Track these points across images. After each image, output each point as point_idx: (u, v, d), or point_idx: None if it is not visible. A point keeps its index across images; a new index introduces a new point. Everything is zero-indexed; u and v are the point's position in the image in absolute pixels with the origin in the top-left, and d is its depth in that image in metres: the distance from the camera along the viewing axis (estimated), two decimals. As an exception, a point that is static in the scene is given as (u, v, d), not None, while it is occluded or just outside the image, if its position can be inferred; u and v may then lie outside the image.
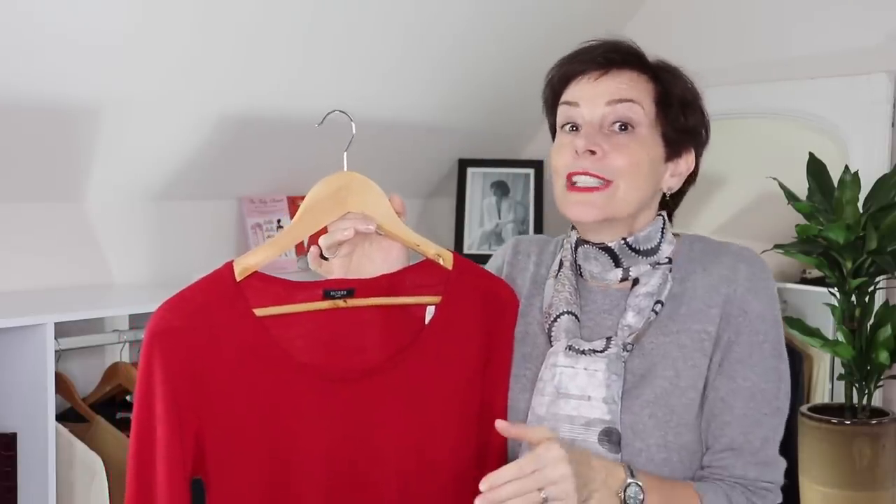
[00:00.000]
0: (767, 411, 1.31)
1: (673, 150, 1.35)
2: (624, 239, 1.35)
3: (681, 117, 1.34)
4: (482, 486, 1.12)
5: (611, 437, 1.28)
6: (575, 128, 1.34)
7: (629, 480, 1.21)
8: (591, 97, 1.32)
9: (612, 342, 1.32)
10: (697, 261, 1.37)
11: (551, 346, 1.35)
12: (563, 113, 1.35)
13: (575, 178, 1.31)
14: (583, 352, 1.31)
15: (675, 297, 1.35)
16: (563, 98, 1.36)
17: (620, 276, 1.36)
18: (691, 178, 1.41)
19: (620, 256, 1.35)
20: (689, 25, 3.10)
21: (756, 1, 3.00)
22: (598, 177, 1.30)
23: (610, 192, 1.31)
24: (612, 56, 1.33)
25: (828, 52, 2.82)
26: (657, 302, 1.33)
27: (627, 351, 1.31)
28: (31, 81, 2.07)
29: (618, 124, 1.32)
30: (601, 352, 1.31)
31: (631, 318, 1.33)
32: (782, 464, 1.34)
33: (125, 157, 2.42)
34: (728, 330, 1.32)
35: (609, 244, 1.35)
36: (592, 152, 1.30)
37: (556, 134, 1.38)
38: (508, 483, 1.12)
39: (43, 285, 2.39)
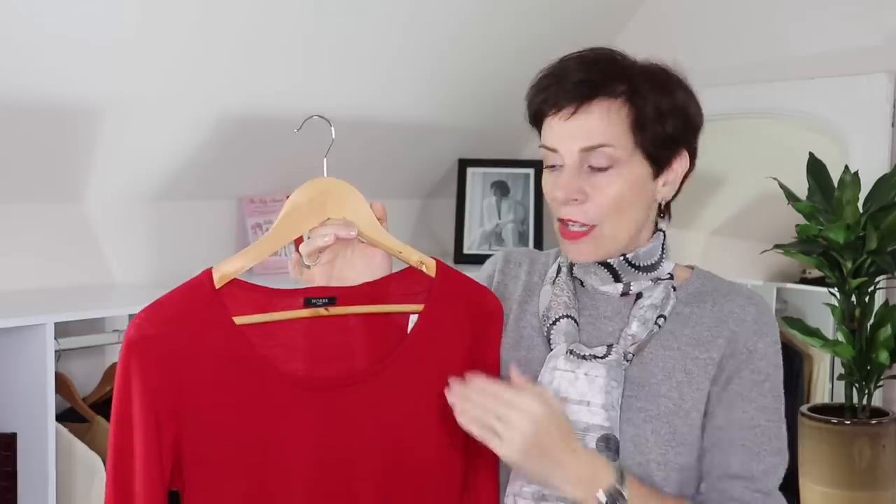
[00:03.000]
0: (768, 448, 1.31)
1: (660, 164, 1.33)
2: (624, 255, 1.35)
3: (660, 130, 1.31)
4: (469, 379, 1.20)
5: (609, 443, 1.28)
6: (553, 165, 1.34)
7: (614, 485, 1.21)
8: (565, 140, 1.30)
9: (614, 350, 1.31)
10: (708, 294, 1.37)
11: (550, 349, 1.34)
12: (543, 154, 1.35)
13: (565, 224, 1.33)
14: (583, 357, 1.31)
15: (679, 316, 1.35)
16: (542, 138, 1.35)
17: (621, 290, 1.36)
18: (689, 172, 1.39)
19: (620, 272, 1.35)
20: (688, 25, 3.10)
21: (756, 1, 3.00)
22: (581, 223, 1.31)
23: (595, 234, 1.31)
24: (582, 89, 1.30)
25: (828, 52, 2.82)
26: (660, 316, 1.34)
27: (628, 360, 1.31)
28: (31, 81, 2.07)
29: (594, 165, 1.30)
30: (602, 358, 1.30)
31: (635, 327, 1.33)
32: (782, 499, 1.34)
33: (125, 157, 2.42)
34: (730, 365, 1.32)
35: (609, 260, 1.35)
36: (575, 199, 1.30)
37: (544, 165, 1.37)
38: (486, 396, 1.19)
39: (43, 285, 2.39)
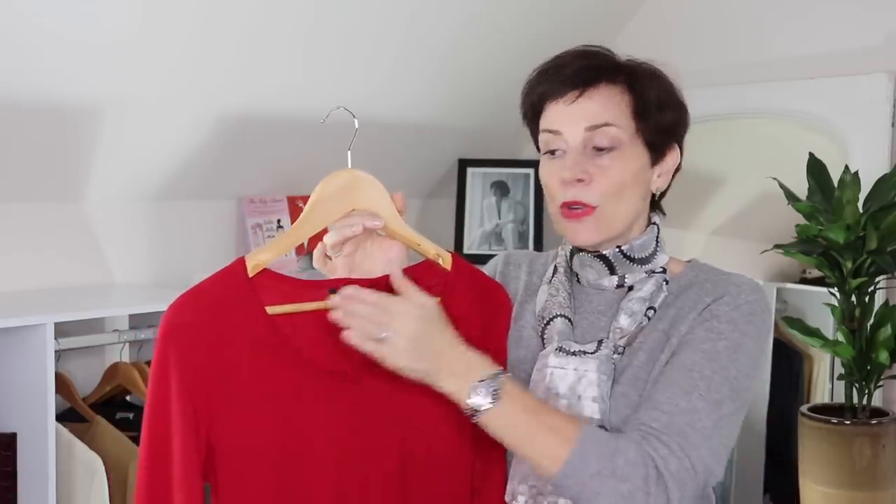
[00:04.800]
0: (702, 393, 1.25)
1: (657, 152, 1.37)
2: (619, 247, 1.37)
3: (659, 119, 1.35)
4: (348, 290, 1.21)
5: None
6: (555, 151, 1.35)
7: (484, 377, 1.21)
8: (570, 122, 1.33)
9: (604, 344, 1.33)
10: (699, 283, 1.38)
11: (544, 347, 1.36)
12: (544, 140, 1.36)
13: (569, 206, 1.34)
14: (573, 353, 1.32)
15: (668, 306, 1.36)
16: (543, 124, 1.37)
17: (616, 282, 1.38)
18: (677, 170, 1.42)
19: (615, 264, 1.37)
20: (688, 25, 3.10)
21: (756, 1, 3.00)
22: (584, 204, 1.33)
23: (597, 214, 1.33)
24: (585, 74, 1.33)
25: (827, 52, 2.82)
26: (650, 308, 1.35)
27: (619, 353, 1.32)
28: (31, 81, 2.07)
29: (598, 146, 1.33)
30: (592, 353, 1.32)
31: (623, 321, 1.34)
32: (703, 450, 1.22)
33: (125, 157, 2.42)
34: (694, 323, 1.32)
35: (604, 252, 1.37)
36: (580, 180, 1.32)
37: (542, 154, 1.39)
38: (366, 305, 1.20)
39: (43, 285, 2.39)
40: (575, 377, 1.30)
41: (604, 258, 1.37)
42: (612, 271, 1.38)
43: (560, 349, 1.33)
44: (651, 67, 1.38)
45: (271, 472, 1.20)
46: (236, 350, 1.18)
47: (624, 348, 1.33)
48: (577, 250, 1.39)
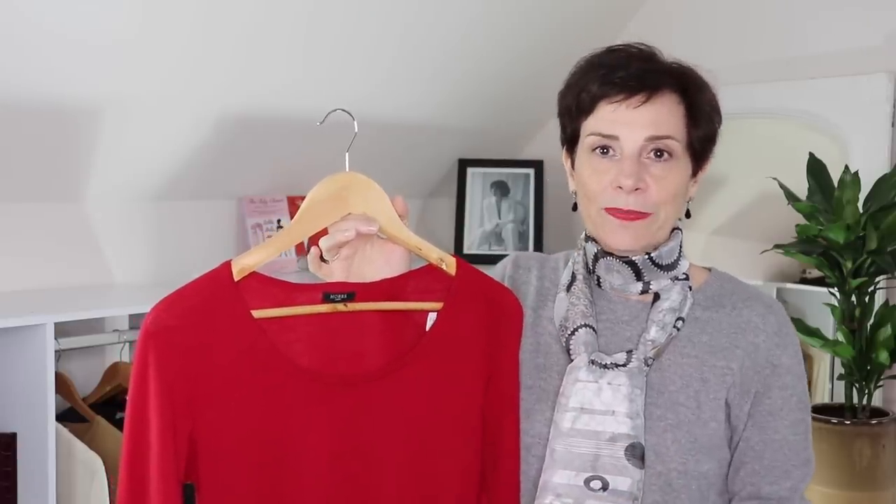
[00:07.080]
0: (796, 462, 1.33)
1: (698, 163, 1.36)
2: (648, 254, 1.34)
3: (707, 129, 1.34)
4: None
5: (635, 451, 1.28)
6: (606, 150, 1.32)
7: None
8: (631, 129, 1.29)
9: (634, 356, 1.31)
10: (727, 297, 1.37)
11: (570, 359, 1.34)
12: (597, 141, 1.33)
13: (619, 210, 1.32)
14: (605, 366, 1.31)
15: (697, 321, 1.36)
16: (595, 124, 1.32)
17: (641, 288, 1.36)
18: None
19: (643, 270, 1.35)
20: (689, 25, 3.10)
21: (756, 1, 3.00)
22: (639, 211, 1.31)
23: (649, 221, 1.32)
24: (649, 79, 1.30)
25: (828, 52, 2.82)
26: (679, 318, 1.34)
27: (648, 365, 1.32)
28: (31, 81, 2.07)
29: (655, 152, 1.31)
30: (623, 366, 1.31)
31: (654, 332, 1.33)
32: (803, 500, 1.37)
33: (125, 157, 2.42)
34: (755, 381, 1.33)
35: (633, 258, 1.34)
36: (638, 188, 1.30)
37: (584, 152, 1.35)
38: None
39: (43, 285, 2.39)
40: (609, 392, 1.29)
41: (632, 264, 1.35)
42: (639, 277, 1.35)
43: (592, 362, 1.31)
44: (698, 74, 1.35)
45: (254, 476, 1.18)
46: (219, 354, 1.16)
47: (653, 360, 1.32)
48: (603, 254, 1.36)
